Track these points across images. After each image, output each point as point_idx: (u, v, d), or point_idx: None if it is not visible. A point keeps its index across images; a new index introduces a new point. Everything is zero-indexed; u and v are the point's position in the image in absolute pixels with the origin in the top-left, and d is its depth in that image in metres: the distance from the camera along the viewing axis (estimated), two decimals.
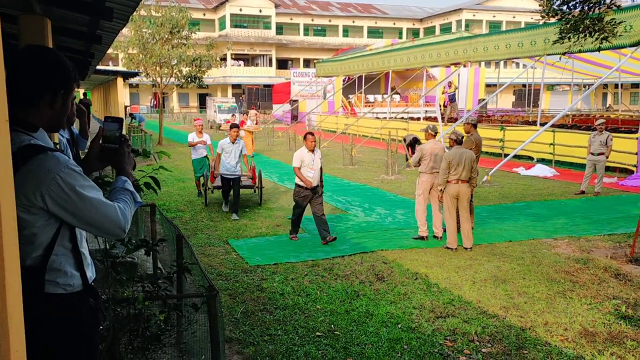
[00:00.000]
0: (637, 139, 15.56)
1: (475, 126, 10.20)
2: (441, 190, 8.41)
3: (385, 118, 29.79)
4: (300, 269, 7.56)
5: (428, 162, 8.79)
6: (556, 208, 11.72)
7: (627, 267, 7.46)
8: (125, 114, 25.65)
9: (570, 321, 5.73)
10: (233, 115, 24.77)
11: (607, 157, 13.21)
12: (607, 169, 14.12)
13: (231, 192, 11.09)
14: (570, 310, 6.02)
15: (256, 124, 35.61)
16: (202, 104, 59.45)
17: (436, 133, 9.11)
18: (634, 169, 15.40)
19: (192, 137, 12.49)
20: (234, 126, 10.99)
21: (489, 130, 21.63)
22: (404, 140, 18.32)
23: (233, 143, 10.63)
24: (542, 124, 19.64)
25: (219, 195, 12.08)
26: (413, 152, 16.99)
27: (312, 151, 8.87)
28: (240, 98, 53.44)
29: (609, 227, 9.94)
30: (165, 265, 7.05)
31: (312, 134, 9.03)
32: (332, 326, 5.62)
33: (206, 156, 12.50)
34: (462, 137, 8.49)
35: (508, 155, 17.26)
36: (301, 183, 8.79)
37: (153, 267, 6.04)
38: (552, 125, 17.63)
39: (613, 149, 13.46)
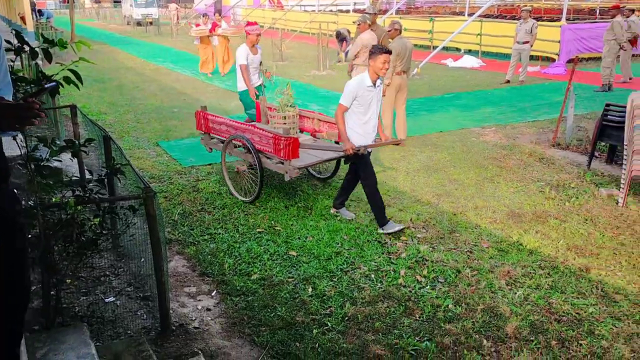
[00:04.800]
0: (559, 27, 15.88)
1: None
2: (388, 83, 8.23)
3: (314, 11, 28.77)
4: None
5: (366, 54, 8.56)
6: (483, 98, 12.00)
7: (550, 152, 7.85)
8: (33, 11, 23.30)
9: (498, 204, 6.02)
10: (205, 15, 16.52)
11: (532, 46, 13.47)
12: (531, 57, 14.45)
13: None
14: (498, 194, 6.31)
15: (177, 19, 33.58)
16: None
17: (372, 23, 8.83)
18: (556, 57, 15.86)
19: (244, 53, 7.52)
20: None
21: (418, 22, 21.43)
22: (337, 34, 17.82)
23: (374, 85, 5.35)
24: (469, 15, 19.61)
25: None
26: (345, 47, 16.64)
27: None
28: None
29: (533, 114, 10.33)
30: (93, 170, 6.73)
31: None
32: (273, 222, 5.63)
33: (262, 84, 8.01)
34: (401, 26, 8.32)
35: (437, 47, 17.27)
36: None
37: (80, 172, 5.74)
38: (479, 16, 17.65)
39: (537, 37, 13.70)
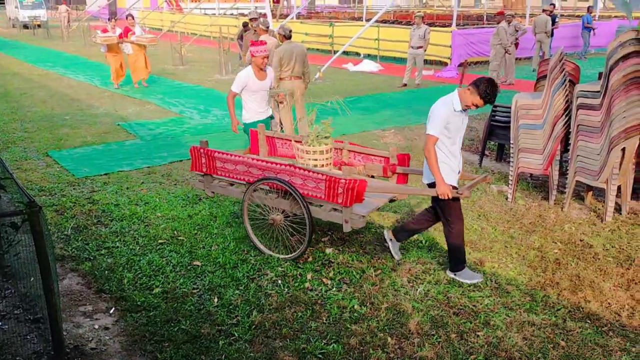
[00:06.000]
0: (450, 32, 16.73)
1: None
2: (275, 87, 8.26)
3: (214, 14, 28.37)
4: (135, 177, 7.14)
5: None
6: (383, 101, 12.38)
7: None
8: None
9: (399, 204, 6.17)
10: (111, 19, 14.15)
11: (425, 50, 14.09)
12: (426, 62, 15.11)
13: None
14: None
15: (68, 21, 31.73)
16: None
17: (267, 28, 8.83)
18: (448, 61, 16.69)
19: (242, 80, 6.18)
20: None
21: (319, 27, 21.76)
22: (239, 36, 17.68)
23: (463, 110, 4.40)
24: (367, 20, 20.19)
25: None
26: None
27: None
28: None
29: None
30: None
31: None
32: (175, 232, 5.46)
33: (272, 115, 6.74)
34: (291, 31, 8.31)
35: (337, 51, 17.61)
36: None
37: None
38: (376, 21, 18.21)
39: (430, 42, 14.34)
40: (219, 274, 4.63)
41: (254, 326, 3.92)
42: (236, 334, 3.82)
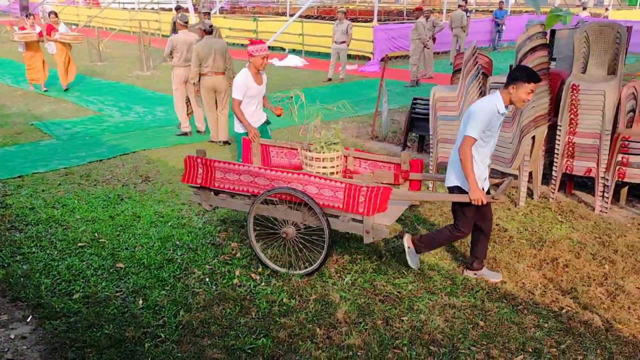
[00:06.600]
0: (372, 27, 17.05)
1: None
2: (194, 83, 8.10)
3: (134, 9, 27.44)
4: (52, 179, 6.82)
5: (181, 54, 8.39)
6: (308, 95, 12.24)
7: (369, 144, 8.41)
8: None
9: None
10: (29, 15, 12.67)
11: (348, 45, 14.29)
12: (349, 56, 15.32)
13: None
14: None
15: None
16: None
17: (186, 22, 8.67)
18: (371, 55, 17.01)
19: (243, 83, 5.49)
20: None
21: (242, 22, 21.56)
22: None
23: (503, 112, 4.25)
24: (291, 15, 20.21)
25: None
26: None
27: None
28: None
29: (353, 109, 10.96)
30: None
31: None
32: (96, 234, 5.27)
33: (267, 121, 6.08)
34: (212, 26, 8.19)
35: None
36: None
37: None
38: (300, 16, 18.27)
39: (353, 37, 14.56)
40: (143, 275, 4.52)
41: (181, 326, 3.86)
42: (162, 335, 3.75)
